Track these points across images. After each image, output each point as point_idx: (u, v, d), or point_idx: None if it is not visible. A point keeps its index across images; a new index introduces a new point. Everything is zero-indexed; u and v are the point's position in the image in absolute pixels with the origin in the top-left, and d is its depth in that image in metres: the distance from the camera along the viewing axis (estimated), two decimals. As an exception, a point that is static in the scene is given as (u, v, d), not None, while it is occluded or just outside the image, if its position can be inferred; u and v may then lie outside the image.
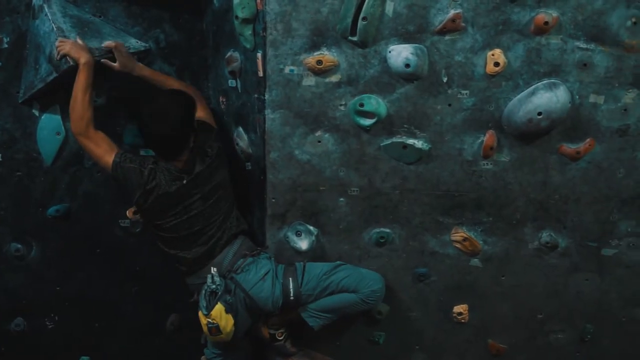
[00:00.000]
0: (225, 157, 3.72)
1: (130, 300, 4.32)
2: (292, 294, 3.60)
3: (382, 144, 3.69)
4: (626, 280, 3.97)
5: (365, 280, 3.66)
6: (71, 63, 3.59)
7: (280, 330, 3.86)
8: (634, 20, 3.51)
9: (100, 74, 3.72)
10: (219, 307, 3.46)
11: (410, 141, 3.67)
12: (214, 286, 3.51)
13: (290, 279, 3.62)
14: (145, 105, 3.51)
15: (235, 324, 3.51)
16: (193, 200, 3.58)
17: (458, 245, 3.86)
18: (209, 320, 3.46)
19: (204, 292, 3.52)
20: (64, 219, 4.13)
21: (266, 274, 3.61)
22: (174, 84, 3.78)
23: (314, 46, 3.54)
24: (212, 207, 3.63)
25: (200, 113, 3.69)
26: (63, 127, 3.97)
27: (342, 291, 3.64)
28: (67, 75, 3.66)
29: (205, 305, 3.48)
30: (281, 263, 3.74)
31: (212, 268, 3.58)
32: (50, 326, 4.30)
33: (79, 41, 3.61)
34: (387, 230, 3.84)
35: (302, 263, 3.71)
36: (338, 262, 3.76)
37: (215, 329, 3.47)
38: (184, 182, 3.55)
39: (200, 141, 3.60)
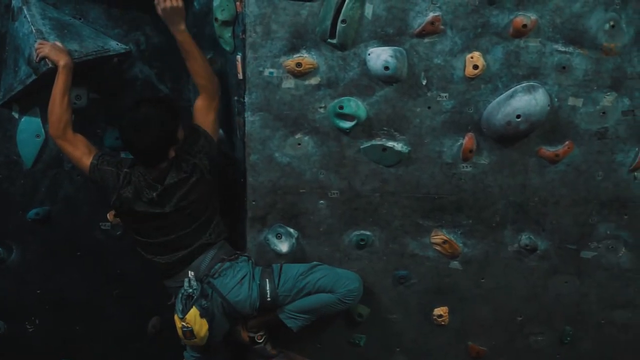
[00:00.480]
0: (208, 174, 3.60)
1: (112, 303, 4.30)
2: (268, 295, 3.60)
3: (361, 147, 3.69)
4: (605, 282, 3.98)
5: (342, 280, 3.66)
6: (50, 65, 3.57)
7: (259, 333, 3.86)
8: (612, 23, 3.53)
9: (82, 76, 3.71)
10: (193, 312, 3.45)
11: (390, 144, 3.68)
12: (190, 290, 3.51)
13: (267, 280, 3.61)
14: (127, 113, 3.48)
15: (210, 329, 3.50)
16: (167, 212, 3.56)
17: (438, 248, 3.87)
18: (184, 324, 3.46)
19: (180, 295, 3.52)
20: (44, 222, 4.11)
21: (243, 277, 3.61)
22: (198, 69, 3.58)
23: (294, 49, 3.54)
24: (189, 218, 3.60)
25: (201, 118, 3.62)
26: (43, 130, 3.95)
27: (319, 291, 3.63)
28: (47, 77, 3.65)
29: (180, 309, 3.48)
30: (261, 265, 3.73)
31: (189, 272, 3.57)
32: (31, 329, 4.28)
33: (58, 44, 3.60)
34: (367, 233, 3.84)
35: (279, 264, 3.70)
36: (315, 262, 3.76)
37: (189, 332, 3.47)
38: (157, 191, 3.54)
39: (184, 149, 3.56)
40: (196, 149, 3.57)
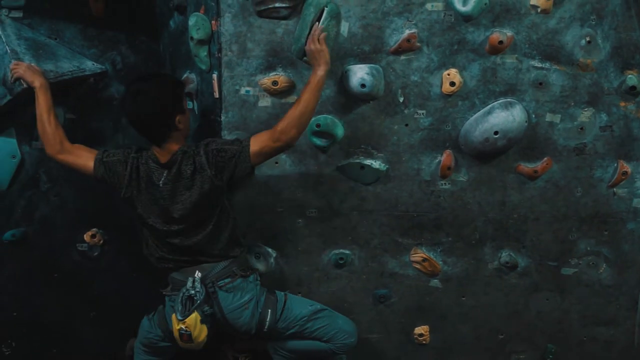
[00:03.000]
0: (217, 180, 3.37)
1: (89, 325, 4.25)
2: (267, 327, 3.52)
3: (339, 165, 3.67)
4: (586, 299, 3.97)
5: (341, 333, 3.60)
6: (25, 86, 3.55)
7: (243, 354, 3.81)
8: (588, 39, 3.53)
9: (58, 96, 3.68)
10: (194, 316, 3.34)
11: (368, 162, 3.66)
12: (192, 292, 3.39)
13: (269, 310, 3.53)
14: (127, 87, 3.41)
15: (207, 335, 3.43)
16: (175, 205, 3.40)
17: (418, 266, 3.84)
18: (182, 326, 3.37)
19: (181, 295, 3.40)
20: (20, 244, 4.07)
21: (249, 301, 3.51)
22: (293, 114, 3.29)
23: (270, 67, 3.53)
24: (199, 218, 3.44)
25: (253, 140, 3.36)
26: (19, 151, 3.92)
27: (316, 338, 3.58)
28: (22, 98, 3.62)
29: (180, 309, 3.37)
30: (266, 288, 3.63)
31: (197, 272, 3.46)
32: (7, 352, 4.22)
33: (33, 65, 3.57)
34: (347, 252, 3.81)
35: (283, 294, 3.62)
36: (318, 306, 3.65)
37: (186, 336, 3.38)
38: (163, 178, 3.39)
39: (208, 147, 3.37)
40: (218, 151, 3.36)
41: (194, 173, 3.36)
